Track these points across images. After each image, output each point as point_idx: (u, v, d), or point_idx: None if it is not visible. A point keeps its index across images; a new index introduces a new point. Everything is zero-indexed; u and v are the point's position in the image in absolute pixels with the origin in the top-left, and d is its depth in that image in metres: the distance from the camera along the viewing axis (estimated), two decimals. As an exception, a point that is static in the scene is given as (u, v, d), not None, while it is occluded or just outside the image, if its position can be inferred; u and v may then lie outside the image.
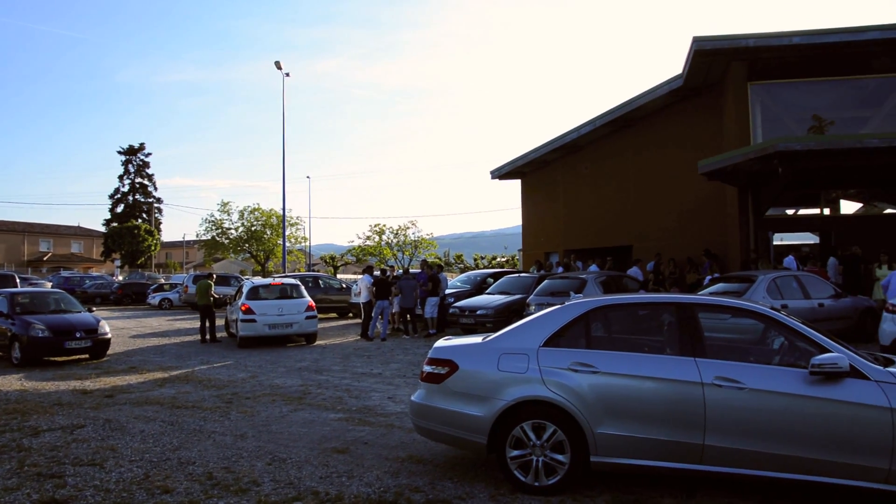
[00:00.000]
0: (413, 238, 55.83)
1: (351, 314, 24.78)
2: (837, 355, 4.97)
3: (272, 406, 9.14)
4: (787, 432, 4.98)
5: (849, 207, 19.89)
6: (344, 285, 26.43)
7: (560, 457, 5.37)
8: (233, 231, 55.38)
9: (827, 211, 19.56)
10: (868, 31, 17.05)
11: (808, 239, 19.33)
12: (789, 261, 15.91)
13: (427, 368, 5.97)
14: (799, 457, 4.94)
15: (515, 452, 5.46)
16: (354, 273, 56.42)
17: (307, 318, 16.42)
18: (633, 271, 18.95)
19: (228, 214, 55.35)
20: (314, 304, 16.95)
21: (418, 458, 6.51)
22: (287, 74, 35.03)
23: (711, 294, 12.41)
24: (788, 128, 18.27)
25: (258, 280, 19.47)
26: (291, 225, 55.58)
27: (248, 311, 15.99)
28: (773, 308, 5.73)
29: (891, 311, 10.85)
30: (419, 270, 19.40)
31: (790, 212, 19.74)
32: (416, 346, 15.71)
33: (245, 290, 16.81)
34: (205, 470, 6.20)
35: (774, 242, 17.98)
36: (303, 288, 17.46)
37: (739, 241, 17.40)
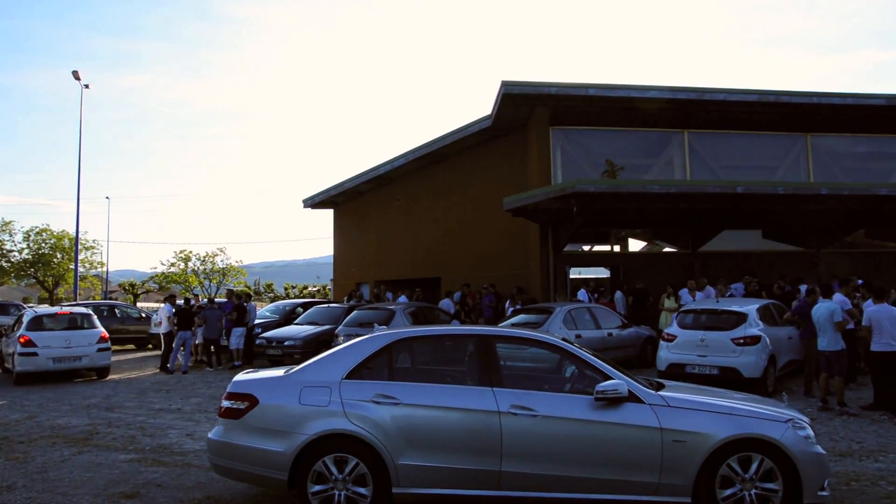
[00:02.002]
0: (221, 266, 53.68)
1: (150, 346, 23.25)
2: (618, 382, 5.44)
3: (52, 450, 8.31)
4: (575, 455, 5.34)
5: (635, 245, 21.83)
6: (144, 314, 24.76)
7: (363, 490, 5.36)
8: (16, 254, 49.98)
9: (617, 248, 21.34)
10: (650, 90, 19.06)
11: (601, 273, 20.92)
12: (582, 294, 17.14)
13: (225, 403, 5.74)
14: (586, 477, 5.32)
15: (317, 487, 5.38)
16: (157, 301, 53.03)
17: (99, 350, 15.15)
18: (445, 303, 19.45)
19: (11, 235, 49.83)
20: (108, 334, 15.71)
21: (216, 499, 6.21)
22: (86, 86, 32.57)
23: (513, 325, 13.08)
24: (585, 171, 19.78)
25: (42, 309, 17.73)
26: (86, 248, 51.10)
27: (28, 343, 14.47)
28: (564, 339, 6.15)
29: (667, 340, 12.02)
30: (225, 300, 18.65)
31: (586, 248, 21.30)
32: (219, 379, 15.01)
33: (25, 319, 15.21)
34: (-39, 527, 5.49)
35: (570, 276, 19.29)
36: (95, 317, 16.10)
37: (540, 274, 18.51)
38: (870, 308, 10.05)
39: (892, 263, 20.68)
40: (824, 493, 5.44)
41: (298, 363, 6.23)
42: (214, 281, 53.30)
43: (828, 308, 10.26)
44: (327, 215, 31.58)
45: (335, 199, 29.47)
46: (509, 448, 5.32)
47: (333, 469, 5.38)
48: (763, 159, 21.16)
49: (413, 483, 5.37)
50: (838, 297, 11.24)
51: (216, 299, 20.10)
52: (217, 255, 53.89)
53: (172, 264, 53.46)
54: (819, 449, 5.52)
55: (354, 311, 16.77)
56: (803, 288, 13.34)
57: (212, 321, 16.99)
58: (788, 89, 20.67)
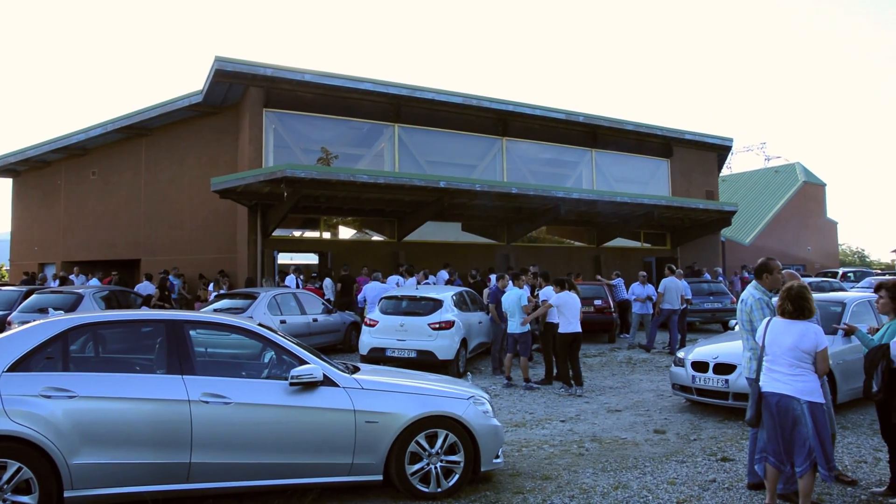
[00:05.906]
0: None
1: None
2: (313, 367, 5.51)
3: None
4: (271, 441, 5.30)
5: (345, 233, 22.29)
6: None
7: (25, 499, 4.72)
8: None
9: (327, 235, 21.59)
10: (364, 82, 19.60)
11: (311, 259, 21.02)
12: (290, 279, 17.11)
13: None
14: (283, 463, 5.32)
15: (-43, 504, 4.65)
16: None
17: None
18: (143, 286, 18.14)
19: None
20: None
21: None
22: None
23: (215, 311, 12.62)
24: (298, 156, 19.71)
25: None
26: None
27: None
28: (261, 325, 6.07)
29: (369, 325, 12.47)
30: None
31: (296, 233, 21.25)
32: None
33: None
34: None
35: (279, 262, 19.13)
36: None
37: (248, 258, 18.09)
38: (557, 294, 11.29)
39: (567, 256, 23.66)
40: (498, 461, 6.09)
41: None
42: None
43: (517, 295, 11.42)
44: (4, 185, 27.69)
45: (15, 168, 25.93)
46: (200, 438, 5.12)
47: (-14, 479, 4.68)
48: (465, 157, 22.89)
49: (90, 484, 4.90)
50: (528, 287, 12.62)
51: None
52: None
53: None
54: (495, 422, 6.13)
55: (33, 295, 14.89)
56: (493, 276, 14.69)
57: None
58: (490, 96, 22.58)
